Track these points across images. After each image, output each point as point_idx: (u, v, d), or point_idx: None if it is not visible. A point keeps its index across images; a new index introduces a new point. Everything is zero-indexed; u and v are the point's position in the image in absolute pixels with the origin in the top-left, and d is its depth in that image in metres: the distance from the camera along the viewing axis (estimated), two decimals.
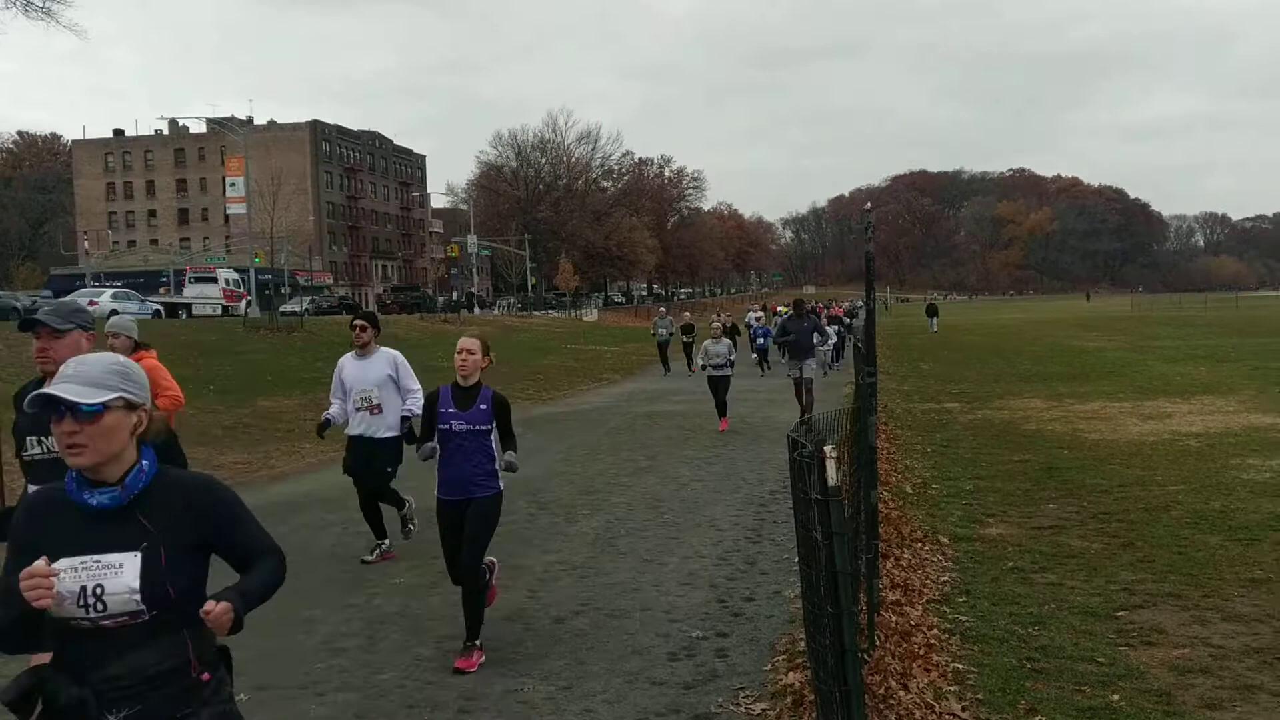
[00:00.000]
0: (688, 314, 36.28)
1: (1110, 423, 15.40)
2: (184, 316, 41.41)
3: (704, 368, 17.27)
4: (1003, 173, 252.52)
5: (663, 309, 39.21)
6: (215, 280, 51.49)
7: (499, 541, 8.85)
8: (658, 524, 9.33)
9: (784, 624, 6.26)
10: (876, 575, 6.08)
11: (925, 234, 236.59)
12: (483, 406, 5.90)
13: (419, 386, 8.11)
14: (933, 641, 5.71)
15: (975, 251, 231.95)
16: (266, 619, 6.58)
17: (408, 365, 8.34)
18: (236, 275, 53.66)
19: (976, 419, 16.69)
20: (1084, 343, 39.64)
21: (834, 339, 26.77)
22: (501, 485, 6.05)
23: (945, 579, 7.11)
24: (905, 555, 7.64)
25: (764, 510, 9.81)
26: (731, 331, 26.25)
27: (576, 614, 6.63)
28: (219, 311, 44.95)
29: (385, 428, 8.12)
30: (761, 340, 28.09)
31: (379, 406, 8.11)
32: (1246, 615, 6.15)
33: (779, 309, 36.19)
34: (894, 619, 5.97)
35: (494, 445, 5.99)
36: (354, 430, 8.19)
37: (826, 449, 2.99)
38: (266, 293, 50.61)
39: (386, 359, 8.24)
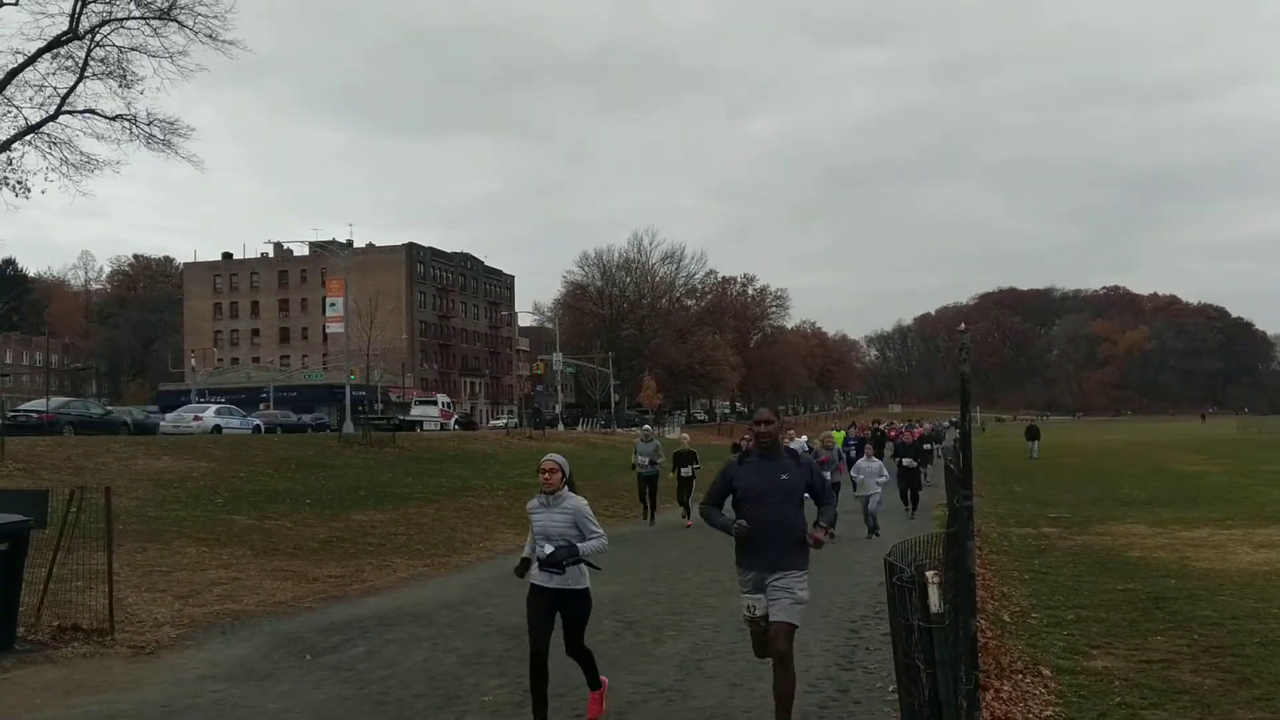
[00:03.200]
0: (686, 436, 23.55)
1: (1220, 550, 14.77)
2: (418, 431, 50.52)
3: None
4: (1095, 290, 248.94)
5: (647, 427, 26.36)
6: (435, 403, 67.54)
7: None
8: (746, 646, 9.12)
9: None
10: (977, 708, 5.87)
11: (1016, 353, 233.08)
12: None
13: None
14: None
15: (1069, 371, 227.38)
16: None
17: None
18: (448, 399, 74.24)
19: (1076, 544, 16.14)
20: (1187, 466, 38.28)
21: (876, 486, 17.77)
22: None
23: (1049, 713, 6.83)
24: (1005, 687, 7.37)
25: (855, 635, 9.58)
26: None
27: None
28: (438, 427, 55.91)
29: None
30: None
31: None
32: None
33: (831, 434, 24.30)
34: None
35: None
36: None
37: (928, 574, 2.97)
38: (360, 409, 51.83)
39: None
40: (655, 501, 20.54)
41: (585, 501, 6.86)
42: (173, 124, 31.60)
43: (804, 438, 23.21)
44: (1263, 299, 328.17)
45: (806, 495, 6.38)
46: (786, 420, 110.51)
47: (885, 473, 18.30)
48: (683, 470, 20.39)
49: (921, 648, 2.94)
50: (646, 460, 20.36)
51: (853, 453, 26.58)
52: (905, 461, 21.76)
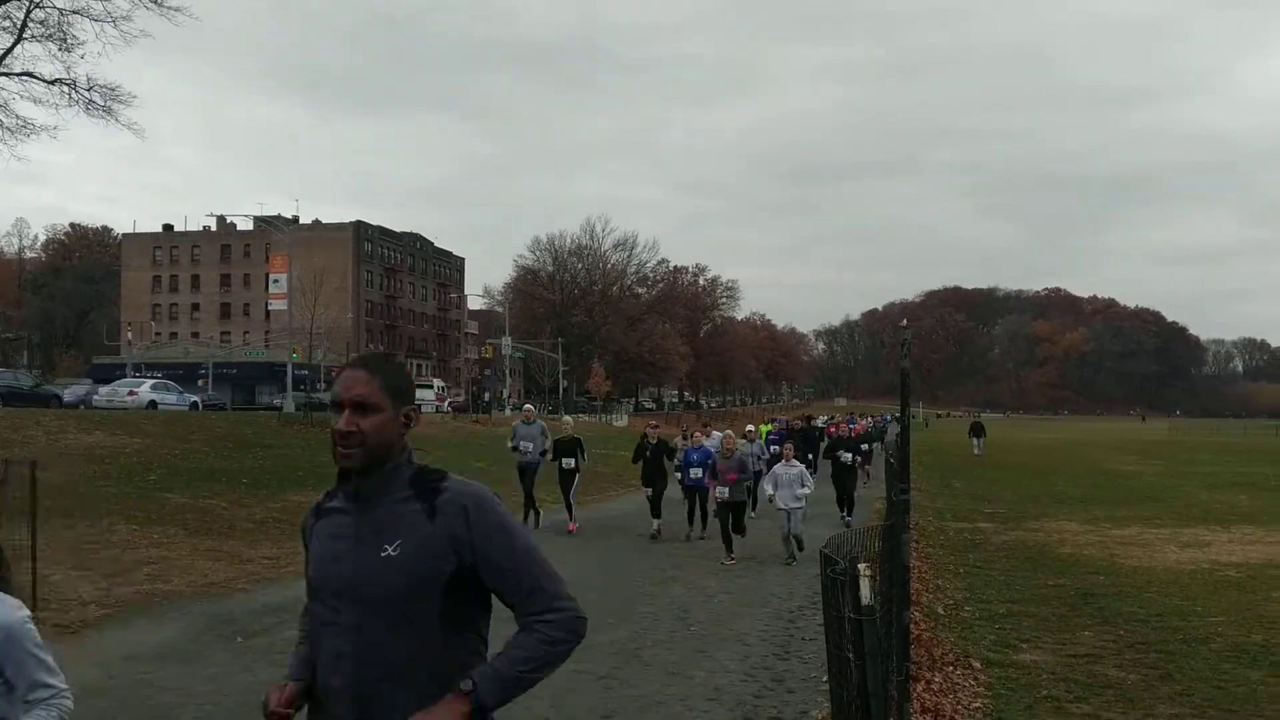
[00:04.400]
0: (570, 420, 20.04)
1: (1148, 549, 15.10)
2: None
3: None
4: (1038, 291, 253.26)
5: (529, 407, 19.92)
6: (431, 386, 68.78)
7: None
8: (684, 636, 9.18)
9: None
10: (907, 699, 5.93)
11: (959, 350, 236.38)
12: None
13: None
14: None
15: (1010, 369, 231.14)
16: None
17: None
18: (443, 383, 79.72)
19: (1010, 540, 16.41)
20: (1121, 466, 39.08)
21: (795, 500, 13.97)
22: None
23: (977, 705, 6.93)
24: (937, 679, 7.46)
25: (792, 626, 9.64)
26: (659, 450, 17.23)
27: None
28: (433, 410, 55.85)
29: None
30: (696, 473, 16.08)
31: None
32: None
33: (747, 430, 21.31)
34: None
35: None
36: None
37: (861, 567, 2.97)
38: (302, 388, 51.17)
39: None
40: (533, 496, 16.87)
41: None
42: (114, 90, 30.91)
43: (717, 434, 17.82)
44: (1198, 305, 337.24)
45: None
46: (736, 410, 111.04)
47: (809, 482, 14.24)
48: (564, 461, 16.82)
49: (852, 640, 2.94)
50: (531, 446, 16.94)
51: (776, 448, 20.20)
52: (842, 455, 18.38)
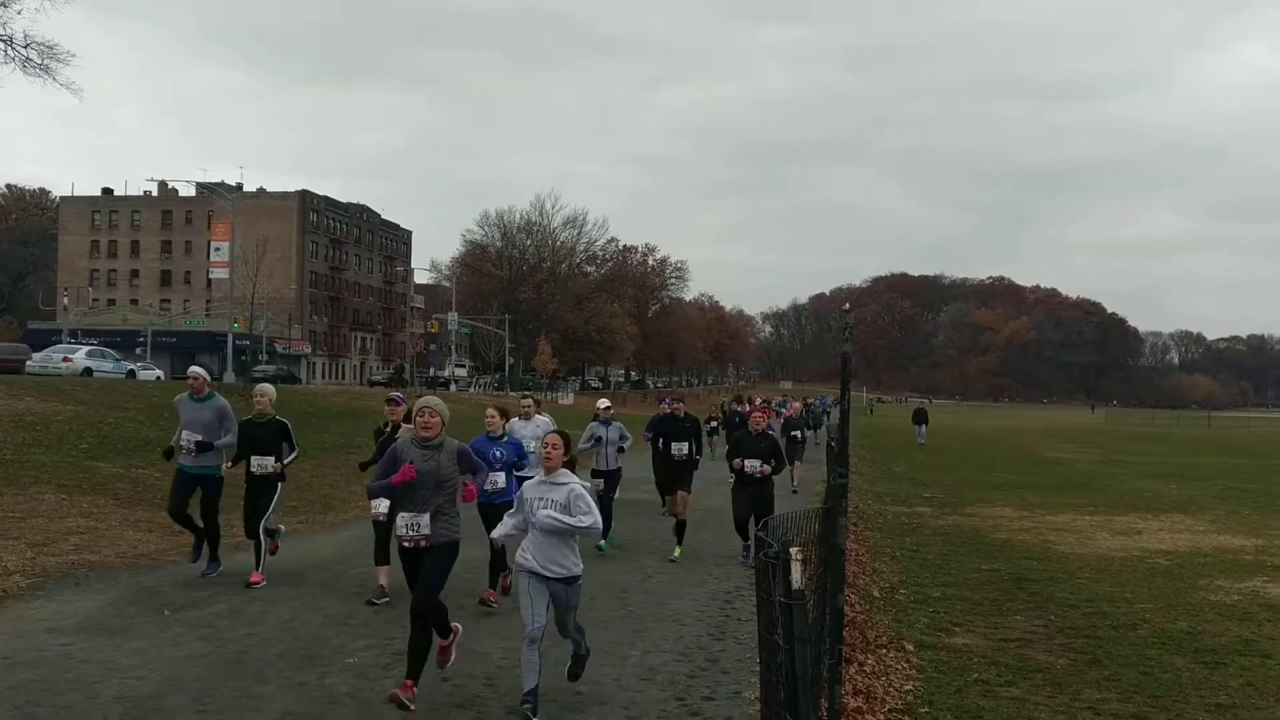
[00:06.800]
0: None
1: (1080, 536, 15.38)
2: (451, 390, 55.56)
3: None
4: (982, 280, 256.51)
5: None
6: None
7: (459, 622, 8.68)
8: (621, 615, 9.17)
9: None
10: (839, 681, 5.96)
11: (903, 336, 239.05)
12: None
13: None
14: None
15: (953, 356, 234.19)
16: (215, 693, 6.41)
17: None
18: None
19: (947, 524, 16.62)
20: (1057, 453, 39.81)
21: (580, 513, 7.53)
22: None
23: (909, 688, 6.99)
24: (869, 661, 7.52)
25: (729, 606, 9.67)
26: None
27: None
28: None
29: None
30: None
31: None
32: None
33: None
34: None
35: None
36: None
37: (793, 550, 2.95)
38: (244, 359, 50.39)
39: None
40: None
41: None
42: (51, 48, 30.07)
43: (543, 418, 11.39)
44: (1137, 297, 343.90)
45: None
46: (681, 390, 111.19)
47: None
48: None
49: (782, 623, 2.91)
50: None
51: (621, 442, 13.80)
52: (748, 464, 11.61)
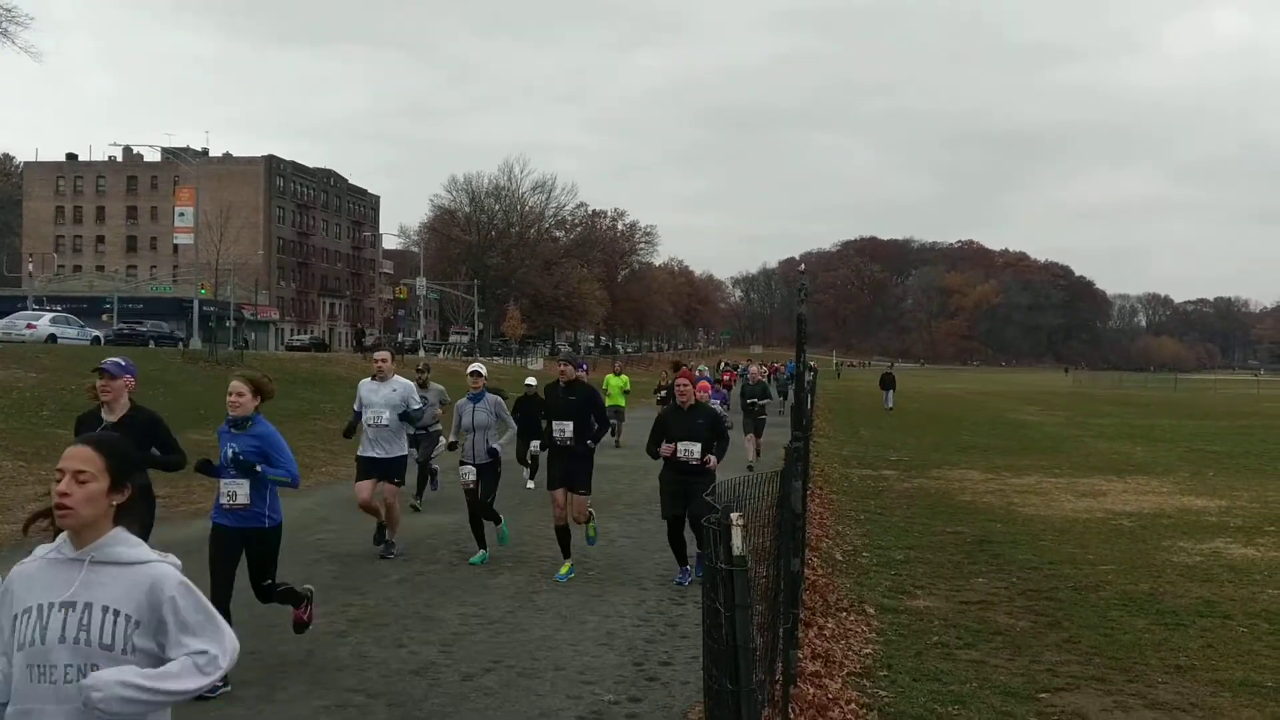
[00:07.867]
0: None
1: (1045, 498, 15.45)
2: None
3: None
4: (952, 244, 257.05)
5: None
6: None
7: (416, 590, 8.59)
8: (581, 580, 9.10)
9: (699, 691, 6.05)
10: (796, 645, 5.92)
11: (873, 300, 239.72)
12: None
13: None
14: (849, 718, 5.55)
15: (922, 320, 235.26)
16: None
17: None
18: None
19: (912, 487, 16.67)
20: (1024, 416, 40.10)
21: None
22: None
23: (868, 651, 6.97)
24: (829, 624, 7.49)
25: (691, 572, 9.60)
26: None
27: (487, 671, 6.39)
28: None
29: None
30: None
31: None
32: (1169, 703, 6.07)
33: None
34: (812, 691, 5.80)
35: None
36: None
37: (734, 516, 2.85)
38: (210, 325, 49.85)
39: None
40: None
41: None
42: (9, 11, 29.34)
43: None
44: (1106, 260, 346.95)
45: None
46: (651, 356, 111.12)
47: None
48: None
49: (723, 591, 2.82)
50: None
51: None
52: (681, 448, 8.88)
